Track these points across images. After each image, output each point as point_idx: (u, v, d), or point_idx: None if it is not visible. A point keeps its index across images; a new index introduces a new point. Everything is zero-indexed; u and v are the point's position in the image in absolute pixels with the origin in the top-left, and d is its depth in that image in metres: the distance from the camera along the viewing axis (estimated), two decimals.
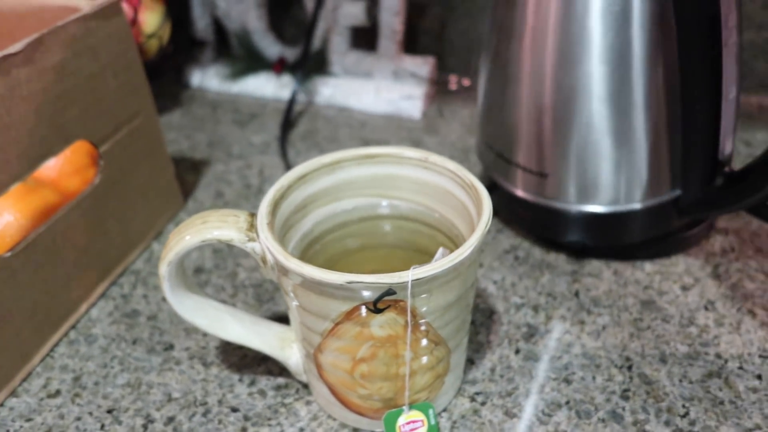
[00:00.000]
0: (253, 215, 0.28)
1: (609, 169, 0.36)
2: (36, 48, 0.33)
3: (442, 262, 0.24)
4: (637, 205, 0.37)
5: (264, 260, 0.27)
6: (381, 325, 0.26)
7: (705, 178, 0.36)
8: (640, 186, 0.36)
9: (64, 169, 0.40)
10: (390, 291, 0.24)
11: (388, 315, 0.25)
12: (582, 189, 0.37)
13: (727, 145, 0.35)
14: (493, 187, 0.46)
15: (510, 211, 0.42)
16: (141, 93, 0.41)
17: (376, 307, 0.25)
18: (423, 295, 0.25)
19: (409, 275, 0.24)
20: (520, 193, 0.39)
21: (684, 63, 0.33)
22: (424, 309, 0.26)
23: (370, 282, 0.24)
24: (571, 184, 0.37)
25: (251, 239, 0.27)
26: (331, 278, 0.24)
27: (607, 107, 0.34)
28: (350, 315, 0.25)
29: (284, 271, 0.26)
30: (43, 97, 0.33)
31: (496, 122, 0.39)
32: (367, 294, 0.25)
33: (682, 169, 0.36)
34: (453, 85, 0.62)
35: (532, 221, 0.41)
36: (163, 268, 0.27)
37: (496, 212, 0.44)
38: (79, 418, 0.32)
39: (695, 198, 0.37)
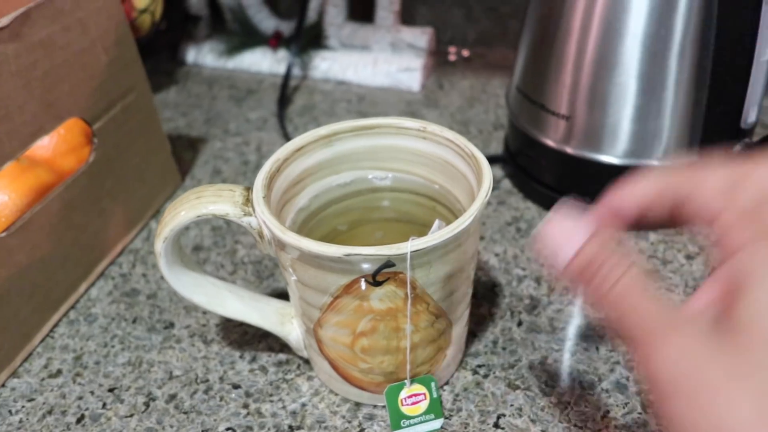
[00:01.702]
0: (248, 189, 0.27)
1: (630, 115, 0.35)
2: (23, 22, 0.32)
3: (441, 233, 0.24)
4: (653, 162, 0.36)
5: (261, 235, 0.27)
6: (380, 298, 0.25)
7: (724, 145, 0.35)
8: (659, 142, 0.36)
9: (59, 148, 0.39)
10: (389, 263, 0.24)
11: (388, 288, 0.25)
12: (602, 136, 0.37)
13: (751, 113, 0.35)
14: (502, 159, 0.45)
15: (531, 161, 0.42)
16: (133, 68, 0.40)
17: (375, 280, 0.24)
18: (423, 267, 0.25)
19: (408, 246, 0.23)
20: (543, 138, 0.39)
21: (722, 15, 0.32)
22: (424, 281, 0.25)
23: (369, 254, 0.23)
24: (592, 128, 0.37)
25: (247, 213, 0.27)
26: (328, 251, 0.23)
27: (639, 48, 0.34)
28: (349, 288, 0.25)
29: (281, 245, 0.26)
30: (32, 72, 0.33)
31: (532, 65, 0.39)
32: (365, 266, 0.24)
33: (703, 131, 0.35)
34: (452, 56, 0.61)
35: (550, 170, 0.41)
36: (159, 245, 0.27)
37: (512, 174, 0.44)
38: (80, 397, 0.32)
39: None
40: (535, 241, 0.19)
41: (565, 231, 0.18)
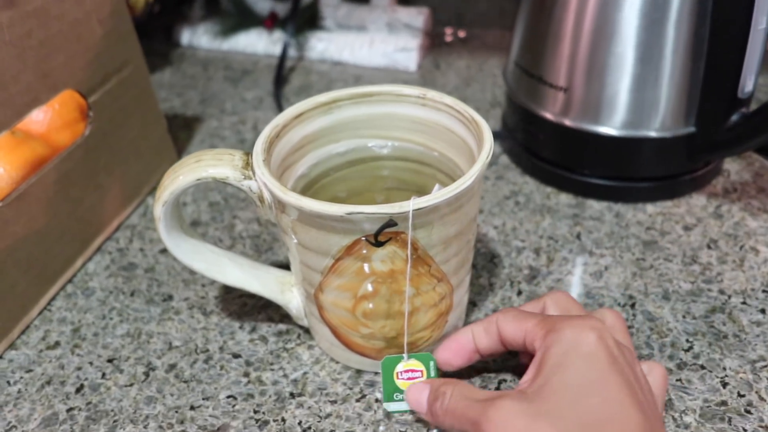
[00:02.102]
0: (248, 154, 0.27)
1: (628, 86, 0.35)
2: None
3: (443, 192, 0.24)
4: (650, 133, 0.36)
5: (261, 199, 0.27)
6: (382, 259, 0.25)
7: (721, 115, 0.35)
8: (656, 112, 0.36)
9: (54, 122, 0.39)
10: (391, 222, 0.24)
11: (389, 248, 0.25)
12: (600, 107, 0.37)
13: (748, 82, 0.35)
14: (500, 136, 0.45)
15: (530, 136, 0.42)
16: (129, 42, 0.40)
17: (377, 240, 0.24)
18: (424, 228, 0.25)
19: (410, 205, 0.23)
20: (541, 112, 0.39)
21: None
22: (426, 242, 0.25)
23: (370, 212, 0.23)
24: (590, 100, 0.37)
25: (247, 177, 0.26)
26: (330, 210, 0.23)
27: (637, 17, 0.34)
28: (351, 250, 0.25)
29: (282, 207, 0.25)
30: (26, 42, 0.32)
31: (530, 39, 0.39)
32: (367, 226, 0.24)
33: (700, 101, 0.35)
34: (449, 37, 0.61)
35: (548, 144, 0.41)
36: (159, 209, 0.27)
37: (511, 150, 0.44)
38: (79, 368, 0.32)
39: (709, 138, 0.36)
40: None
41: (415, 392, 0.27)
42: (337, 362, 0.31)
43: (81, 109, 0.39)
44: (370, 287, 0.26)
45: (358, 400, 0.29)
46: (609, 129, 0.37)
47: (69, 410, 0.30)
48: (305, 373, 0.31)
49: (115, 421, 0.29)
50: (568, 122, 0.38)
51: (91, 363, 0.32)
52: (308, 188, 0.31)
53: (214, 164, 0.26)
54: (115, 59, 0.39)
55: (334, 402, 0.29)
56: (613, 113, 0.37)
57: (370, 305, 0.27)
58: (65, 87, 0.35)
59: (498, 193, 0.41)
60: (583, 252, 0.36)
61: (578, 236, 0.38)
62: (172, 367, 0.31)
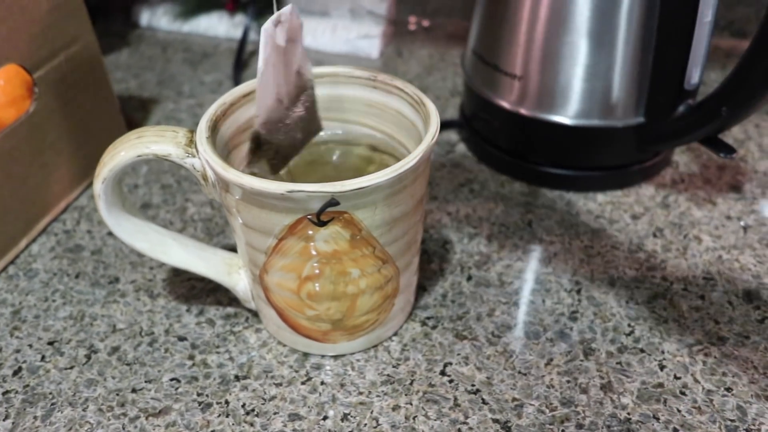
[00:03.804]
0: (192, 131, 0.27)
1: (581, 75, 0.36)
2: None
3: (386, 171, 0.24)
4: (601, 123, 0.37)
5: (205, 177, 0.26)
6: (326, 239, 0.25)
7: (669, 106, 0.36)
8: (608, 101, 0.36)
9: None
10: (333, 201, 0.24)
11: (333, 228, 0.25)
12: (553, 96, 0.37)
13: (694, 74, 0.35)
14: (458, 124, 0.45)
15: (486, 124, 0.42)
16: (78, 17, 0.38)
17: (319, 220, 0.24)
18: (367, 208, 0.25)
19: (351, 184, 0.23)
20: (497, 100, 0.39)
21: None
22: (370, 222, 0.25)
23: (312, 191, 0.23)
24: (544, 88, 0.37)
25: (190, 155, 0.26)
26: (271, 187, 0.23)
27: (589, 7, 0.34)
28: (294, 229, 0.25)
29: (225, 185, 0.25)
30: None
31: (486, 26, 0.39)
32: (309, 205, 0.24)
33: (649, 91, 0.36)
34: (412, 25, 0.61)
35: (504, 132, 0.41)
36: (98, 186, 0.26)
37: (469, 139, 0.44)
38: (18, 350, 0.31)
39: (657, 128, 0.37)
40: None
41: None
42: (285, 345, 0.31)
43: (27, 85, 0.38)
44: (314, 268, 0.26)
45: (303, 383, 0.29)
46: (562, 118, 0.38)
47: (5, 393, 0.29)
48: (251, 357, 0.30)
49: (53, 404, 0.28)
50: (523, 111, 0.39)
51: (30, 345, 0.31)
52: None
53: (156, 140, 0.26)
54: (63, 35, 0.37)
55: (279, 384, 0.29)
56: (566, 102, 0.37)
57: (316, 286, 0.27)
58: (8, 61, 0.34)
59: (453, 180, 0.42)
60: (534, 239, 0.37)
61: (529, 224, 0.38)
62: (115, 349, 0.31)
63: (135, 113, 0.49)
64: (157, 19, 0.61)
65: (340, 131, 0.32)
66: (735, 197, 0.40)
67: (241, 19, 0.58)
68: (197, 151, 0.26)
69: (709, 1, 0.33)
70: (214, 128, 0.27)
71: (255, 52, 0.57)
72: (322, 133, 0.32)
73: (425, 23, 0.61)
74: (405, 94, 0.29)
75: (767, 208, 0.39)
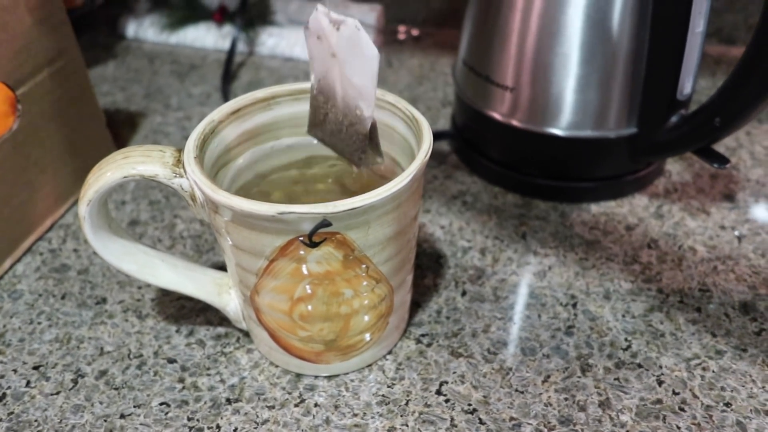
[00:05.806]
0: (180, 151, 0.26)
1: (573, 86, 0.36)
2: None
3: (378, 191, 0.23)
4: (594, 134, 0.37)
5: (193, 198, 0.26)
6: (318, 260, 0.25)
7: (661, 117, 0.36)
8: (600, 113, 0.36)
9: None
10: (325, 222, 0.23)
11: (325, 249, 0.24)
12: (545, 107, 0.37)
13: (686, 84, 0.35)
14: (450, 135, 0.45)
15: (478, 135, 0.42)
16: (62, 32, 0.38)
17: (311, 241, 0.24)
18: (360, 228, 0.24)
19: (344, 204, 0.23)
20: (489, 111, 0.39)
21: None
22: (363, 242, 0.25)
23: (303, 212, 0.22)
24: (536, 100, 0.37)
25: (178, 175, 0.25)
26: (261, 209, 0.23)
27: (581, 18, 0.34)
28: (285, 251, 0.24)
29: (214, 206, 0.24)
30: None
31: (478, 38, 0.39)
32: (301, 227, 0.23)
33: (642, 102, 0.36)
34: (402, 35, 0.61)
35: (496, 143, 0.41)
36: (83, 208, 0.25)
37: (459, 150, 0.44)
38: (2, 376, 0.30)
39: (650, 138, 0.37)
40: None
41: None
42: (277, 366, 0.30)
43: (10, 101, 0.37)
44: (307, 289, 0.26)
45: (296, 405, 0.29)
46: (554, 129, 0.37)
47: None
48: (243, 378, 0.30)
49: None
50: (515, 122, 0.38)
51: (15, 371, 0.30)
52: (247, 189, 0.30)
53: (143, 161, 0.25)
54: (47, 50, 0.37)
55: (272, 407, 0.28)
56: (559, 114, 0.37)
57: (308, 307, 0.26)
58: None
59: (446, 192, 0.41)
60: (528, 252, 0.36)
61: (523, 236, 0.38)
62: (103, 373, 0.30)
63: (122, 127, 0.48)
64: (144, 31, 0.60)
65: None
66: (728, 206, 0.39)
67: (229, 30, 0.58)
68: (185, 171, 0.25)
69: (700, 11, 0.33)
70: (203, 147, 0.26)
71: (243, 64, 0.57)
72: (313, 148, 0.31)
73: (415, 33, 0.61)
74: (396, 109, 0.28)
75: (760, 216, 0.39)
